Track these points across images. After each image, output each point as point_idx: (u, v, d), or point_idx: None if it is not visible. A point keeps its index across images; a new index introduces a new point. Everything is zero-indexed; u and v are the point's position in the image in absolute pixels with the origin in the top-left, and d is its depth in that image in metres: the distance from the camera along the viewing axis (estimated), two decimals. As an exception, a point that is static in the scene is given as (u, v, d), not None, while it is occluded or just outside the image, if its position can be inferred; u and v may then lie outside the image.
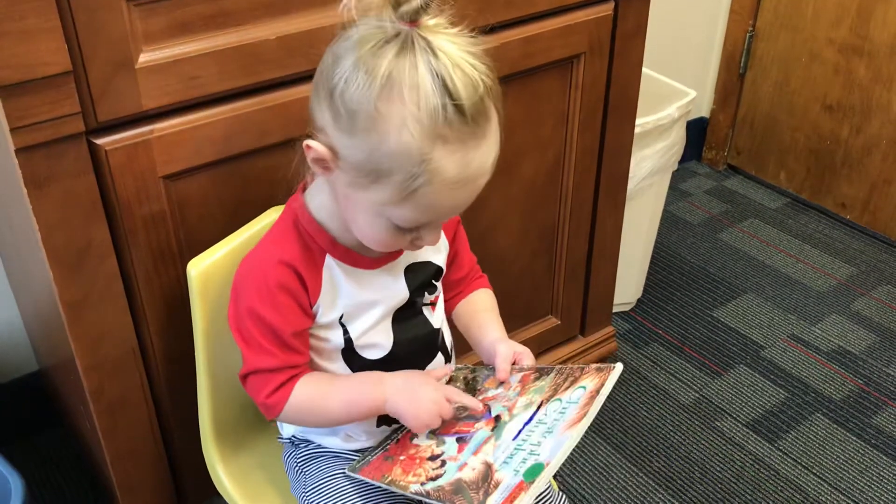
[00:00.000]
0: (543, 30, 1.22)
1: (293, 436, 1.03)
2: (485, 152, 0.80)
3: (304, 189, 0.92)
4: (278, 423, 1.05)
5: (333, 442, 1.00)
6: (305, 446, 1.02)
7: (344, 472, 0.98)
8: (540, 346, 1.58)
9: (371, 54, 0.76)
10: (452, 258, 1.03)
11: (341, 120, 0.78)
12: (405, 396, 0.90)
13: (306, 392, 0.91)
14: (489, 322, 1.02)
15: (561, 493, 1.03)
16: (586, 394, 0.87)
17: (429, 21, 0.77)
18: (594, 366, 0.91)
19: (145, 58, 0.90)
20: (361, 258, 0.91)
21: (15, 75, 0.82)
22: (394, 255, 0.93)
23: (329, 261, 0.90)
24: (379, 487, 0.93)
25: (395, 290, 0.94)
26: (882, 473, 1.57)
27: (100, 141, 0.92)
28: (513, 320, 1.51)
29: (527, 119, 1.29)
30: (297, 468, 1.02)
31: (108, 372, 1.04)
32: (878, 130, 2.12)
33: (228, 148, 1.00)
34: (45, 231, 0.92)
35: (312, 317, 0.91)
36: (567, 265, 1.50)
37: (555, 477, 1.08)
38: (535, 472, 0.80)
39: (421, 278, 0.96)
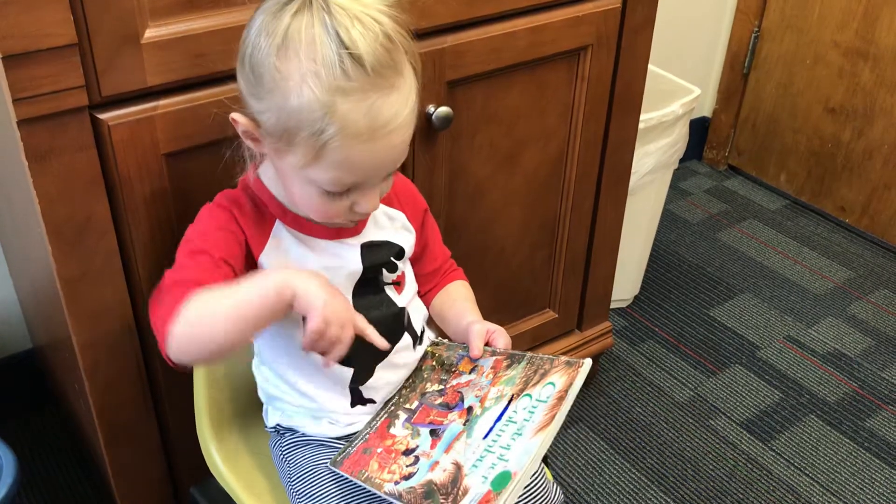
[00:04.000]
0: (552, 20, 1.21)
1: (278, 424, 1.02)
2: (394, 104, 0.79)
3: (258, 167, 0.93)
4: (263, 413, 1.04)
5: (316, 429, 0.99)
6: (290, 435, 1.01)
7: (329, 460, 0.97)
8: (536, 339, 1.57)
9: (272, 17, 0.78)
10: (423, 249, 1.03)
11: (251, 85, 0.80)
12: (321, 282, 0.80)
13: (194, 304, 0.80)
14: (466, 310, 1.02)
15: (556, 485, 1.03)
16: (555, 393, 0.86)
17: None
18: (564, 359, 0.91)
19: (151, 33, 0.90)
20: (314, 227, 0.91)
21: (19, 45, 0.81)
22: (348, 230, 0.93)
23: (279, 225, 0.91)
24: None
25: (348, 261, 0.93)
26: (874, 476, 1.57)
27: (103, 116, 0.91)
28: (510, 312, 1.51)
29: (531, 109, 1.29)
30: (282, 457, 1.01)
31: (104, 350, 1.04)
32: (881, 135, 2.11)
33: (231, 127, 0.99)
34: (45, 205, 0.92)
35: (255, 265, 0.89)
36: (567, 258, 1.50)
37: (549, 468, 1.08)
38: (503, 481, 0.80)
39: (379, 255, 0.95)
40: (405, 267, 1.00)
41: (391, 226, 0.98)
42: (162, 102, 0.94)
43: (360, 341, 0.95)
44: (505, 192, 1.34)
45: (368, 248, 0.95)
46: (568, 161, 1.39)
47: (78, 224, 0.94)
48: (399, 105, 0.79)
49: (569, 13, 1.23)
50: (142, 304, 1.04)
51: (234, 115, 0.83)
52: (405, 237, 0.99)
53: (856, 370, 1.81)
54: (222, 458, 1.07)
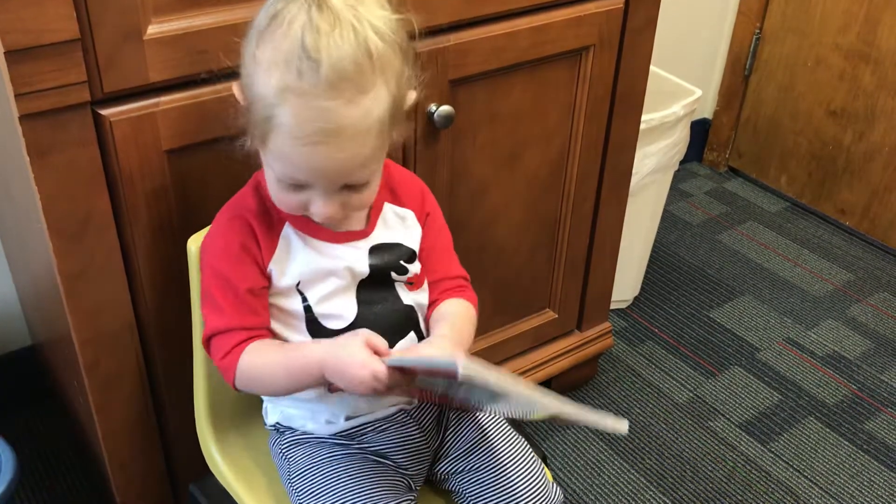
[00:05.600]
0: (554, 20, 1.21)
1: (277, 423, 1.02)
2: (343, 116, 0.78)
3: None
4: (263, 411, 1.05)
5: (315, 427, 0.99)
6: (290, 433, 1.01)
7: (328, 457, 0.97)
8: (536, 340, 1.57)
9: (274, 0, 0.80)
10: (422, 253, 0.99)
11: (242, 59, 0.83)
12: (332, 362, 0.85)
13: (252, 358, 0.90)
14: (443, 326, 0.96)
15: (555, 486, 1.03)
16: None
17: None
18: None
19: (154, 29, 0.90)
20: (322, 230, 0.91)
21: (22, 40, 0.81)
22: (357, 233, 0.93)
23: (287, 229, 0.91)
24: (363, 470, 0.95)
25: (354, 264, 0.93)
26: (873, 479, 1.57)
27: (105, 112, 0.91)
28: (510, 312, 1.51)
29: (533, 109, 1.29)
30: (281, 455, 1.01)
31: (104, 346, 1.04)
32: (881, 138, 2.12)
33: (234, 125, 0.99)
34: (46, 201, 0.92)
35: (268, 278, 0.91)
36: (567, 259, 1.50)
37: (549, 468, 1.07)
38: None
39: (387, 258, 0.95)
40: (418, 268, 0.98)
41: (402, 226, 0.97)
42: (164, 99, 0.94)
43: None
44: (506, 191, 1.34)
45: (377, 251, 0.94)
46: (569, 161, 1.39)
47: (79, 220, 0.94)
48: (350, 121, 0.79)
49: (571, 13, 1.23)
50: (142, 300, 1.04)
51: (234, 85, 0.86)
52: (412, 235, 0.98)
53: (855, 373, 1.81)
54: (221, 456, 1.07)
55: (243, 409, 1.10)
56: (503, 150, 1.29)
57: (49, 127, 0.88)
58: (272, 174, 0.85)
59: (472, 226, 1.34)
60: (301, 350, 0.90)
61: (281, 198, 0.87)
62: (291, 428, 1.01)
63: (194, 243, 0.96)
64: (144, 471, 1.17)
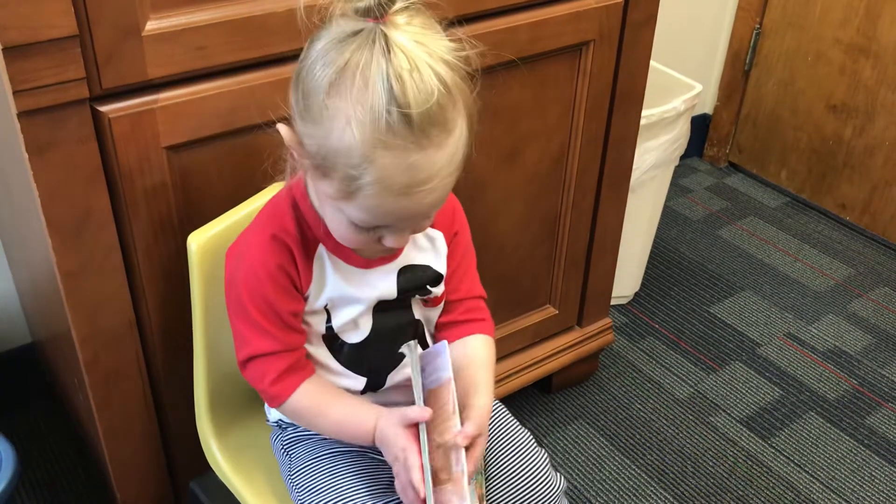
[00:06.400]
0: (553, 15, 1.21)
1: (280, 419, 1.03)
2: (435, 163, 0.76)
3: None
4: (265, 407, 1.05)
5: None
6: (293, 430, 1.01)
7: (329, 454, 0.98)
8: (536, 336, 1.57)
9: (333, 46, 0.75)
10: (447, 273, 0.99)
11: (300, 107, 0.78)
12: (379, 442, 0.91)
13: (307, 400, 0.92)
14: (479, 383, 0.97)
15: (559, 474, 1.03)
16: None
17: (399, 18, 0.74)
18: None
19: (152, 25, 0.89)
20: (354, 256, 0.90)
21: (20, 37, 0.81)
22: (387, 258, 0.92)
23: (321, 250, 0.90)
24: (365, 470, 0.95)
25: (383, 290, 0.93)
26: (874, 474, 1.57)
27: (103, 108, 0.91)
28: (510, 309, 1.51)
29: (533, 105, 1.28)
30: (283, 451, 1.02)
31: (103, 344, 1.03)
32: (882, 132, 2.11)
33: (233, 121, 0.99)
34: (45, 198, 0.91)
35: (305, 300, 0.91)
36: (567, 255, 1.50)
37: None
38: None
39: (415, 280, 0.94)
40: (440, 291, 0.98)
41: (431, 247, 0.96)
42: (163, 95, 0.94)
43: (375, 353, 0.95)
44: (506, 187, 1.34)
45: (405, 273, 0.94)
46: (569, 157, 1.39)
47: (78, 217, 0.94)
48: (441, 164, 0.76)
49: (570, 8, 1.22)
50: (142, 297, 1.04)
51: (281, 127, 0.81)
52: (441, 259, 0.97)
53: (856, 367, 1.81)
54: (221, 452, 1.07)
55: (243, 405, 1.10)
56: (503, 146, 1.29)
57: (48, 124, 0.87)
58: (343, 218, 0.81)
59: (472, 222, 1.32)
60: (357, 415, 0.93)
61: (352, 238, 0.84)
62: (294, 425, 1.01)
63: (195, 240, 0.96)
64: (145, 467, 1.17)
